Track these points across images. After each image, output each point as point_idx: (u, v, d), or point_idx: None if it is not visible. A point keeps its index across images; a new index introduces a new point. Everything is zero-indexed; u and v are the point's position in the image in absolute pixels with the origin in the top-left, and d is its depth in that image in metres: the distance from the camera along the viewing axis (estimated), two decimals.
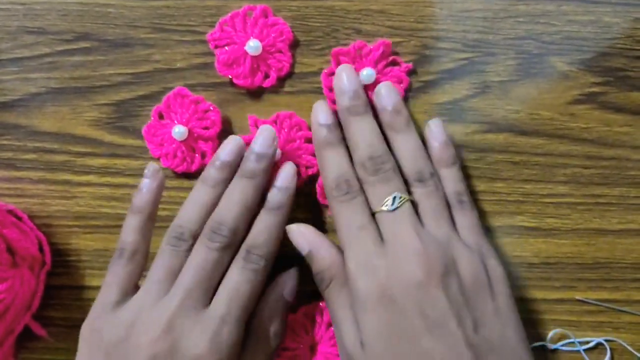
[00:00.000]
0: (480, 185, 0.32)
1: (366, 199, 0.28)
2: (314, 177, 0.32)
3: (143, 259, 0.29)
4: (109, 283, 0.28)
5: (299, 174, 0.31)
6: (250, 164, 0.29)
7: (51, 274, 0.33)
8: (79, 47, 0.32)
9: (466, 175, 0.32)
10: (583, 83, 0.32)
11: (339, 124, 0.30)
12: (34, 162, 0.33)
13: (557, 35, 0.32)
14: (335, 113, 0.31)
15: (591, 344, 0.32)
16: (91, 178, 0.33)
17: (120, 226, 0.32)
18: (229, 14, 0.32)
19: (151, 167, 0.29)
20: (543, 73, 0.32)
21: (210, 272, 0.27)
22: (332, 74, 0.31)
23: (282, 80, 0.32)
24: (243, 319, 0.27)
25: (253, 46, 0.31)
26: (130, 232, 0.29)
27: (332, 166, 0.29)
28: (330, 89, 0.32)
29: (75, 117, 0.32)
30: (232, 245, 0.28)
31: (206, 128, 0.32)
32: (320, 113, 0.30)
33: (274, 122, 0.32)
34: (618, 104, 0.32)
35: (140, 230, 0.29)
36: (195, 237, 0.28)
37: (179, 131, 0.31)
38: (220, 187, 0.29)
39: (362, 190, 0.29)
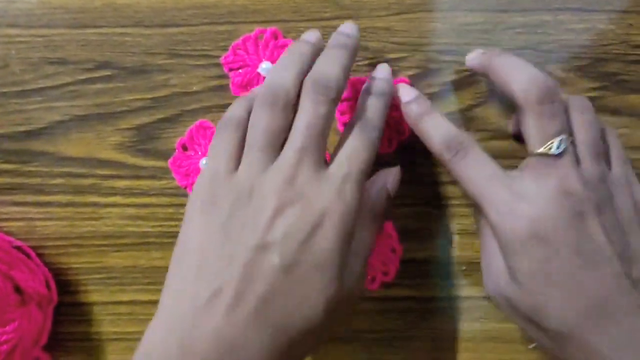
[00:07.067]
0: None
1: (481, 150, 0.28)
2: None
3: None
4: (216, 153, 0.27)
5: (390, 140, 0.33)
6: (341, 37, 0.29)
7: (83, 292, 0.35)
8: (100, 76, 0.34)
9: None
10: (581, 88, 0.34)
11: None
12: (62, 187, 0.34)
13: (555, 44, 0.33)
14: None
15: None
16: (117, 199, 0.34)
17: (145, 244, 0.34)
18: (241, 38, 0.33)
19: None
20: None
21: (322, 129, 0.26)
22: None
23: None
24: (362, 184, 0.26)
25: (265, 68, 0.32)
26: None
27: (433, 131, 0.29)
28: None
29: (99, 142, 0.34)
30: (337, 101, 0.27)
31: None
32: (403, 93, 0.30)
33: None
34: (615, 107, 0.34)
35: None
36: (290, 100, 0.26)
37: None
38: (315, 56, 0.28)
39: (473, 142, 0.28)
